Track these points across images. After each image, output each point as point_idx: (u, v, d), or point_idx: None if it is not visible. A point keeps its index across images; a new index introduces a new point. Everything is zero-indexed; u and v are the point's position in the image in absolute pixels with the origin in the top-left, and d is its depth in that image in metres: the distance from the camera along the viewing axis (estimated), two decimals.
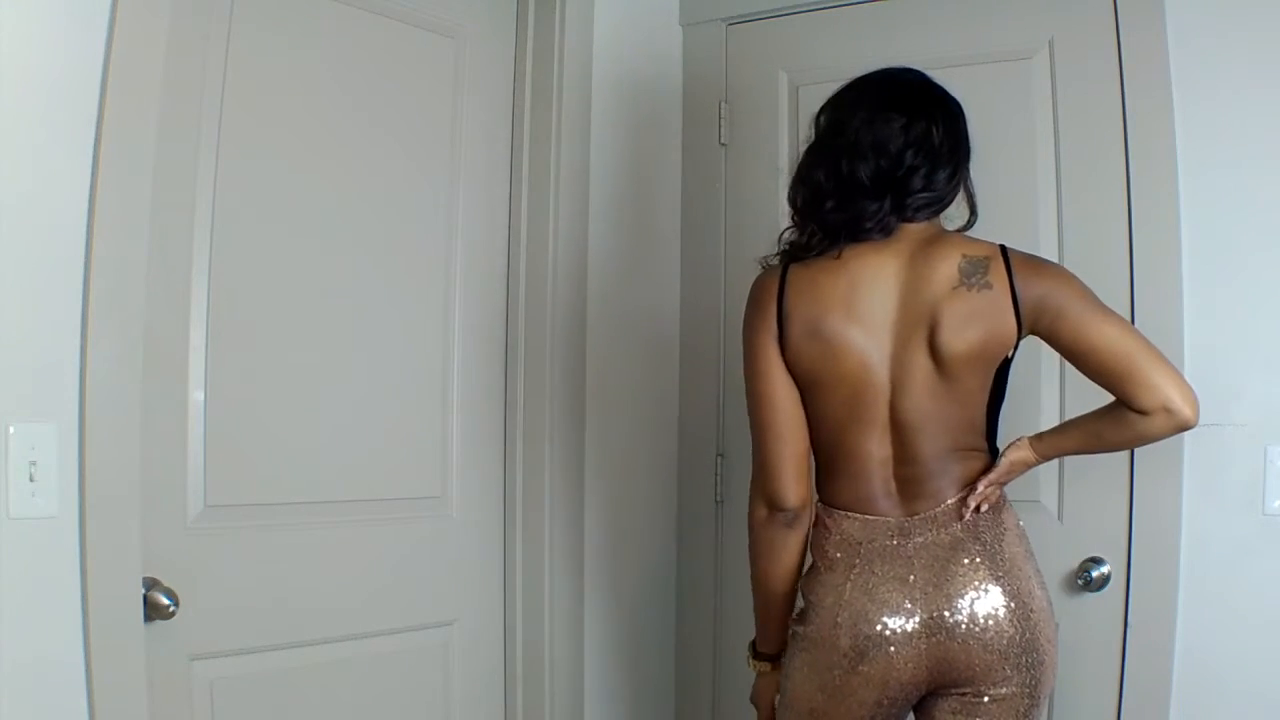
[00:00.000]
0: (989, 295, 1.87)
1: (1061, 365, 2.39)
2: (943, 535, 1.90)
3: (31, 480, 1.74)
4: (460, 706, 2.51)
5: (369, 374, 2.35)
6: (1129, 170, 2.34)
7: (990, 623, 1.86)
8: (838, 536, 1.95)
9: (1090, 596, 2.33)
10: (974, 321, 1.87)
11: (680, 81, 2.84)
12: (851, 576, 1.92)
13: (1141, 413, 1.82)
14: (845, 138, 1.91)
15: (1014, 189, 2.46)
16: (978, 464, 1.95)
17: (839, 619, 1.90)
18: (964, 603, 1.87)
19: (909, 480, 1.93)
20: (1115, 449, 2.07)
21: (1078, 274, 2.38)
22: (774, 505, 1.96)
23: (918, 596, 1.88)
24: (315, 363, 2.26)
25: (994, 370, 1.92)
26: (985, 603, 1.87)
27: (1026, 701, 1.90)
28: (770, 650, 2.06)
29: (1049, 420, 2.40)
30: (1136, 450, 2.29)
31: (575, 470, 2.61)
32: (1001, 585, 1.88)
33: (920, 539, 1.91)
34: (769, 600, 2.03)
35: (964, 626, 1.86)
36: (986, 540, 1.90)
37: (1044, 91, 2.45)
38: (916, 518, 1.92)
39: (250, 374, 2.15)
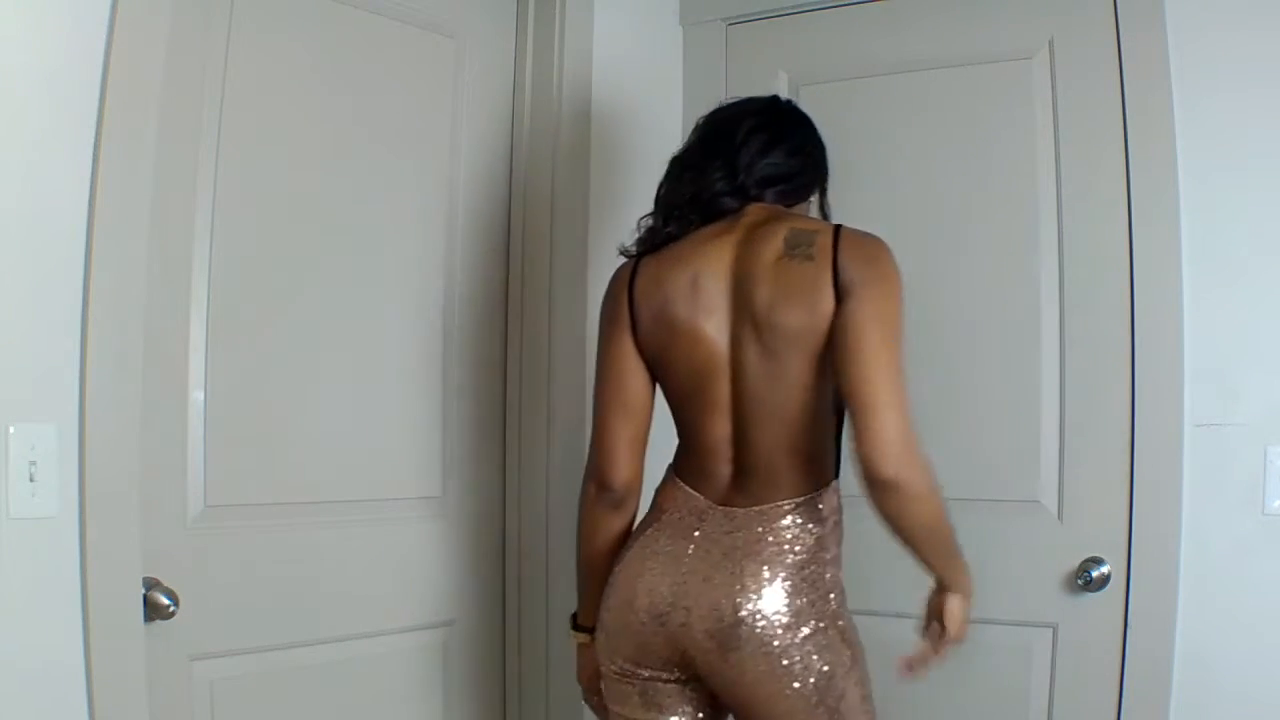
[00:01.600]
0: (808, 267, 1.83)
1: (1062, 364, 2.40)
2: (727, 537, 1.88)
3: (31, 480, 1.74)
4: (459, 707, 2.51)
5: (369, 374, 2.35)
6: (1129, 171, 2.34)
7: (716, 634, 1.82)
8: (659, 499, 1.99)
9: (1090, 596, 2.33)
10: (790, 294, 1.84)
11: (680, 81, 2.84)
12: (642, 538, 1.95)
13: (863, 436, 1.74)
14: (699, 131, 2.04)
15: (1014, 189, 2.47)
16: (811, 481, 1.87)
17: (619, 576, 1.94)
18: (705, 602, 1.84)
19: (744, 472, 1.91)
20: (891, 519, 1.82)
21: (1077, 273, 2.40)
22: (602, 485, 1.98)
23: (681, 577, 1.87)
24: (315, 363, 2.25)
25: (819, 354, 1.84)
26: (717, 614, 1.83)
27: None
28: (588, 622, 2.05)
29: (1051, 421, 2.40)
30: (1136, 450, 2.30)
31: (574, 470, 2.59)
32: (739, 606, 1.82)
33: (711, 528, 1.90)
34: (586, 577, 2.05)
35: (688, 624, 1.85)
36: (764, 557, 1.84)
37: (1044, 91, 2.45)
38: (722, 508, 1.91)
39: (250, 374, 2.14)
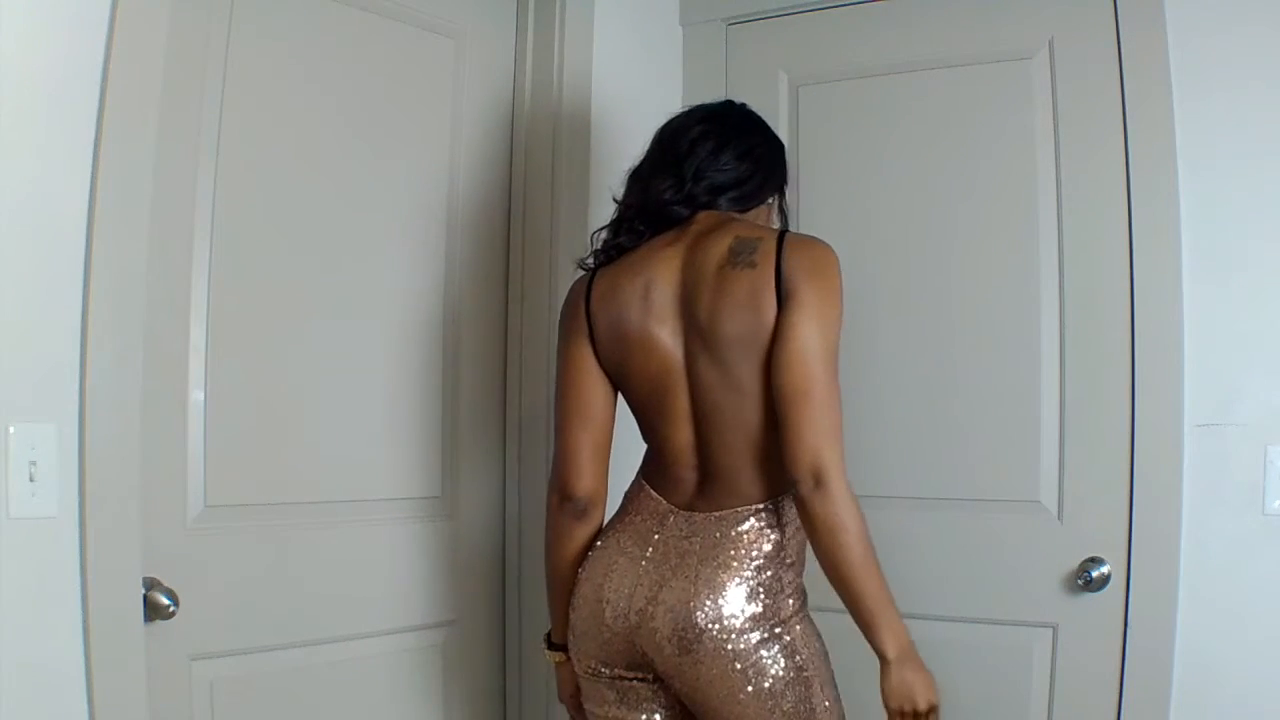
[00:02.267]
0: (751, 274, 1.83)
1: (1062, 364, 2.39)
2: (685, 542, 1.89)
3: (31, 480, 1.74)
4: (459, 707, 2.51)
5: (369, 374, 2.35)
6: (1129, 170, 2.34)
7: (673, 637, 1.83)
8: (625, 504, 2.00)
9: (1090, 596, 2.33)
10: (731, 302, 1.84)
11: (680, 81, 2.84)
12: (606, 541, 1.96)
13: (786, 447, 1.77)
14: (652, 142, 2.03)
15: (1014, 189, 2.47)
16: (773, 487, 1.86)
17: (584, 578, 1.95)
18: (662, 606, 1.85)
19: (708, 478, 1.92)
20: (813, 542, 1.83)
21: (1077, 273, 2.40)
22: (565, 495, 1.98)
23: (639, 580, 1.88)
24: (315, 362, 2.25)
25: (767, 361, 1.83)
26: (673, 616, 1.84)
27: None
28: (562, 639, 2.05)
29: (1051, 421, 2.40)
30: (1136, 450, 2.30)
31: None
32: (695, 609, 1.83)
33: (670, 533, 1.91)
34: (556, 593, 2.04)
35: (646, 626, 1.86)
36: (720, 561, 1.85)
37: (1044, 91, 2.45)
38: (683, 513, 1.92)
39: (250, 374, 2.15)
